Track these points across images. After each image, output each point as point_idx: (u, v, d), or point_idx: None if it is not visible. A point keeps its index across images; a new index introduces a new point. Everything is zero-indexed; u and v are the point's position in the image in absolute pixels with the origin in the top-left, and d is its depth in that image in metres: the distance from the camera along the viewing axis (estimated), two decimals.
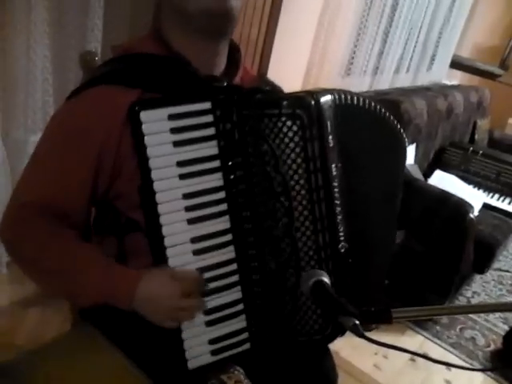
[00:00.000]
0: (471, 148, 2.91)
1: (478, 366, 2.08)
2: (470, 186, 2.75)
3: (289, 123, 0.79)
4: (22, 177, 0.87)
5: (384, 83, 3.03)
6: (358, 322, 0.65)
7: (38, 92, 1.53)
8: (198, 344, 0.84)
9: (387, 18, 2.79)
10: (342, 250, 0.85)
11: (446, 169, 2.80)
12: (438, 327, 2.27)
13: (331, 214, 0.83)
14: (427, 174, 2.73)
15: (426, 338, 2.19)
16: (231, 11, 0.82)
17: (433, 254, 2.10)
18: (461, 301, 2.49)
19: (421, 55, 3.28)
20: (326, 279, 0.74)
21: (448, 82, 3.51)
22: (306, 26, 2.34)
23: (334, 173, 0.83)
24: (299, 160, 0.81)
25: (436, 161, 2.85)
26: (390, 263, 1.02)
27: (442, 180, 2.58)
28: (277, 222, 0.83)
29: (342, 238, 0.85)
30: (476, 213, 2.22)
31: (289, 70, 2.39)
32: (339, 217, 0.84)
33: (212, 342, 0.85)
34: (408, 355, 2.07)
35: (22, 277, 1.75)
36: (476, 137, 3.21)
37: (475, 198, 2.52)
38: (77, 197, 0.84)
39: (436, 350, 2.12)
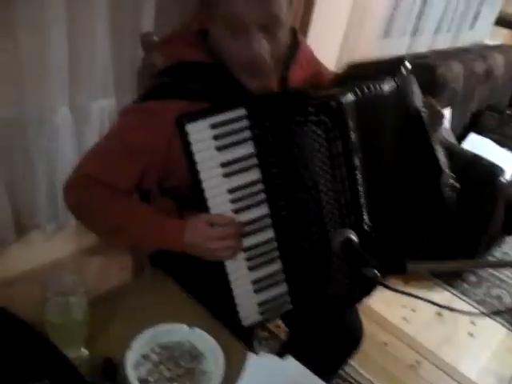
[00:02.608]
0: (508, 111, 2.91)
1: (504, 322, 2.20)
2: (504, 150, 2.76)
3: (314, 128, 0.88)
4: (89, 151, 1.03)
5: (423, 44, 3.01)
6: (376, 272, 0.79)
7: (99, 62, 1.69)
8: (249, 307, 1.00)
9: None
10: (366, 228, 0.96)
11: (481, 132, 2.81)
12: (465, 285, 2.39)
13: (355, 200, 0.94)
14: (463, 137, 2.77)
15: (454, 294, 2.33)
16: (265, 62, 0.91)
17: (463, 214, 2.19)
18: None
19: (463, 13, 3.20)
20: (353, 236, 0.87)
21: (490, 42, 3.44)
22: None
23: (357, 164, 0.92)
24: (325, 159, 0.90)
25: (472, 124, 2.87)
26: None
27: (476, 143, 2.61)
28: (308, 210, 0.95)
29: (365, 218, 0.95)
30: (508, 176, 2.27)
31: (328, 33, 2.41)
32: (362, 200, 0.94)
33: (260, 304, 1.01)
34: (435, 309, 2.21)
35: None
36: None
37: (509, 161, 2.56)
38: (125, 184, 1.00)
39: (462, 306, 2.25)
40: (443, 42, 3.17)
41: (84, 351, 0.81)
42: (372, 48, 2.70)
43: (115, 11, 1.64)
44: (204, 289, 1.02)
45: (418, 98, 1.08)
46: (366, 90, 0.93)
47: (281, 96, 0.94)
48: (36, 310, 0.77)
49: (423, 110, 1.05)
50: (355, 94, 0.92)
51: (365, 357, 1.77)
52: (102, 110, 1.80)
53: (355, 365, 1.82)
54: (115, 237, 1.03)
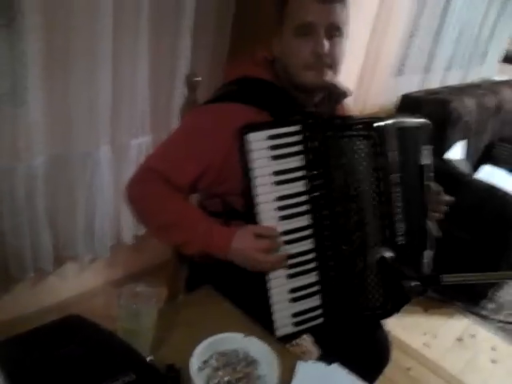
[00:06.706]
0: None
1: None
2: None
3: (364, 142, 1.02)
4: (156, 148, 1.13)
5: (435, 81, 3.15)
6: (418, 283, 0.88)
7: (139, 103, 1.83)
8: (284, 316, 1.07)
9: (439, 18, 2.89)
10: (402, 242, 1.07)
11: (495, 163, 2.90)
12: (484, 312, 2.43)
13: (393, 214, 1.05)
14: (478, 168, 2.85)
15: (474, 321, 2.37)
16: (325, 58, 1.06)
17: (479, 242, 2.26)
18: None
19: (472, 52, 3.36)
20: (389, 253, 0.97)
21: (498, 78, 3.57)
22: (360, 31, 2.46)
23: (398, 181, 1.05)
24: (370, 170, 1.03)
25: (486, 156, 2.96)
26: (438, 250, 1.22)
27: (491, 174, 2.69)
28: (350, 218, 1.05)
29: (401, 232, 1.07)
30: None
31: (344, 72, 2.52)
32: (400, 216, 1.06)
33: (294, 315, 1.08)
34: (455, 335, 2.26)
35: (117, 261, 2.05)
36: None
37: None
38: (184, 180, 1.08)
39: (483, 333, 2.30)
40: (453, 79, 3.31)
41: (150, 357, 0.90)
42: (386, 86, 2.82)
43: (154, 57, 1.79)
44: (241, 301, 1.09)
45: (425, 159, 1.18)
46: (397, 121, 1.08)
47: (332, 118, 1.10)
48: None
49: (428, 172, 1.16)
50: (395, 121, 1.07)
51: (389, 381, 1.80)
52: (140, 146, 1.93)
53: None
54: (165, 233, 1.09)
